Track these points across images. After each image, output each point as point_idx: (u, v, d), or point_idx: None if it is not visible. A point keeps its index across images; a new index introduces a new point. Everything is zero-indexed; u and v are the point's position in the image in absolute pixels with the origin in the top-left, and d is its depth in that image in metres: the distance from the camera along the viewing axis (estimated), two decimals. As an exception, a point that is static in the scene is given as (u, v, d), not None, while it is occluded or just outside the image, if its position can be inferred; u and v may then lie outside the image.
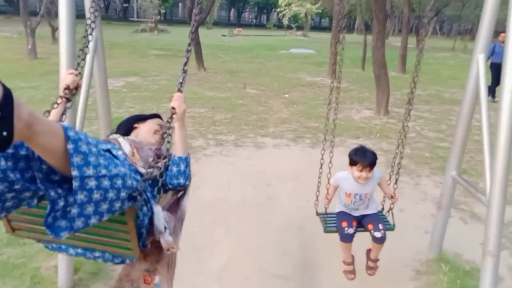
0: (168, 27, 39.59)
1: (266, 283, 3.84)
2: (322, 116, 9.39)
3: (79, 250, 2.06)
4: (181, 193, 2.34)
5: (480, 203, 3.46)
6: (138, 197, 1.68)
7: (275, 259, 4.17)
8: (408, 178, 6.29)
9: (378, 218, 3.47)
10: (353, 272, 3.53)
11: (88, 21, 2.66)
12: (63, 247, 2.09)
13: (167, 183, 2.29)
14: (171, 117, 2.22)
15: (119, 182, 1.55)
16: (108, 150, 2.03)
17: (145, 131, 2.58)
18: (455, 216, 5.16)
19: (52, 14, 19.90)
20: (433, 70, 19.68)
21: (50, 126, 1.35)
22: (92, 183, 1.44)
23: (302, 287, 3.83)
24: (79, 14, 3.35)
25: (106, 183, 1.49)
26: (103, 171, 1.48)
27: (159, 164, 2.06)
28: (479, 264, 3.31)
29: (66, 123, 2.27)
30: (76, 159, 1.39)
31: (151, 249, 2.10)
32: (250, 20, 67.46)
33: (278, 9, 37.77)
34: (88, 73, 3.50)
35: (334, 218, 3.57)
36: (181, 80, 2.38)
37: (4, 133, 1.17)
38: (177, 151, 2.31)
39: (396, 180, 3.60)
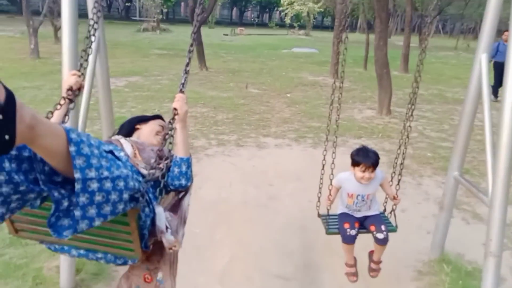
0: (170, 26, 39.56)
1: (267, 284, 3.84)
2: (324, 116, 9.38)
3: (82, 251, 2.07)
4: (182, 193, 2.34)
5: (482, 204, 3.45)
6: (140, 198, 1.69)
7: (276, 260, 4.18)
8: (410, 178, 6.28)
9: (380, 219, 3.44)
10: (355, 274, 3.49)
11: (91, 22, 2.66)
12: (66, 248, 2.10)
13: (169, 184, 2.29)
14: (173, 118, 2.22)
15: (121, 183, 1.56)
16: (111, 151, 2.03)
17: (147, 132, 2.59)
18: (457, 216, 5.15)
19: (54, 13, 19.90)
20: (436, 69, 19.63)
21: (52, 128, 1.36)
22: (94, 185, 1.45)
23: (304, 288, 3.84)
24: (81, 13, 3.36)
25: (108, 185, 1.50)
26: (105, 173, 1.49)
27: (161, 165, 2.08)
28: (481, 265, 3.30)
29: (68, 123, 2.35)
30: (79, 161, 1.41)
31: (153, 250, 2.12)
32: (252, 19, 67.42)
33: (280, 8, 37.70)
34: (91, 73, 3.51)
35: (336, 220, 3.54)
36: (183, 81, 2.39)
37: (6, 136, 1.18)
38: (179, 152, 2.30)
39: (399, 181, 3.57)
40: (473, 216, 5.24)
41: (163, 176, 2.06)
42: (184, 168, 2.28)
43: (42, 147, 1.35)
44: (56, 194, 1.48)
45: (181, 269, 2.39)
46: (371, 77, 14.18)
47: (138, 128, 2.64)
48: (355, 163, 3.28)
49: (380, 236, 3.29)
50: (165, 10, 44.65)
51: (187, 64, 2.42)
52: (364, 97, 12.48)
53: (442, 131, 9.23)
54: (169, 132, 2.16)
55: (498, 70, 11.73)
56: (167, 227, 1.93)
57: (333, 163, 3.52)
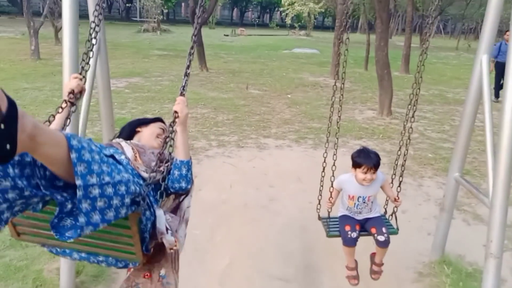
0: (171, 27, 39.55)
1: (268, 285, 3.83)
2: (324, 117, 9.39)
3: (83, 255, 2.07)
4: (183, 196, 2.35)
5: (483, 205, 3.44)
6: (141, 202, 1.70)
7: (277, 261, 4.17)
8: (411, 179, 6.27)
9: (381, 221, 3.43)
10: (356, 277, 3.47)
11: (92, 25, 2.66)
12: (67, 251, 2.10)
13: (169, 187, 2.30)
14: (174, 121, 2.22)
15: (122, 188, 1.58)
16: (112, 156, 2.04)
17: (147, 135, 2.61)
18: (458, 217, 5.14)
19: (55, 14, 19.92)
20: (437, 69, 19.64)
21: (53, 136, 1.37)
22: (95, 191, 1.47)
23: (304, 290, 3.83)
24: (82, 14, 3.36)
25: (109, 190, 1.52)
26: (107, 178, 1.51)
27: (161, 168, 2.09)
28: (482, 266, 3.30)
29: (69, 125, 2.37)
30: (80, 168, 1.42)
31: (154, 252, 2.12)
32: (253, 20, 67.40)
33: (281, 9, 37.74)
34: (91, 74, 3.50)
35: (337, 222, 3.51)
36: (183, 84, 2.39)
37: (8, 146, 1.19)
38: (179, 155, 2.31)
39: (400, 183, 3.54)
40: (474, 217, 5.23)
41: (163, 179, 2.07)
42: (184, 171, 2.30)
43: (44, 155, 1.36)
44: (59, 197, 1.50)
45: (181, 271, 2.38)
46: (372, 78, 14.17)
47: (138, 131, 2.66)
48: (356, 165, 3.26)
49: (381, 238, 3.27)
50: (165, 11, 44.65)
51: (188, 67, 2.41)
52: (365, 98, 12.47)
53: (443, 131, 9.22)
54: (170, 135, 2.16)
55: (500, 70, 11.68)
56: (167, 229, 1.95)
57: (334, 165, 3.47)
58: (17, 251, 3.99)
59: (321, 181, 3.65)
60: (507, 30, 11.24)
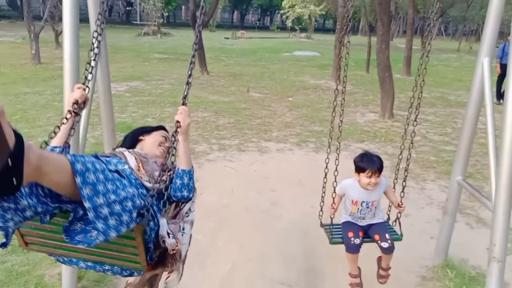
0: (171, 30, 39.62)
1: (270, 290, 3.82)
2: (326, 120, 9.39)
3: (89, 263, 2.12)
4: (184, 205, 2.38)
5: (486, 208, 3.42)
6: (146, 214, 1.74)
7: (279, 266, 4.15)
8: (413, 182, 6.25)
9: (385, 227, 3.39)
10: (359, 285, 3.42)
11: (95, 34, 2.66)
12: (74, 260, 2.15)
13: (172, 196, 2.32)
14: (176, 131, 2.24)
15: (129, 204, 1.67)
16: (117, 171, 2.07)
17: (150, 143, 2.66)
18: (461, 221, 5.12)
19: (55, 18, 19.95)
20: (438, 72, 19.62)
21: (58, 164, 1.46)
22: (104, 210, 1.56)
23: (307, 294, 3.81)
24: (82, 18, 3.35)
25: (117, 207, 1.60)
26: (113, 197, 1.59)
27: (164, 177, 2.13)
28: (485, 270, 3.28)
29: (73, 134, 2.45)
30: (86, 191, 1.51)
31: (157, 261, 2.14)
32: (253, 23, 67.47)
33: (282, 11, 37.82)
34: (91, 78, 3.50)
35: (340, 229, 3.48)
36: (185, 93, 2.39)
37: (14, 180, 1.26)
38: (181, 164, 2.34)
39: (403, 188, 3.51)
40: (477, 221, 5.21)
41: (166, 188, 2.12)
42: (186, 180, 2.33)
43: (49, 182, 1.45)
44: (69, 205, 1.59)
45: (183, 276, 2.38)
46: (373, 80, 14.16)
47: (141, 139, 2.71)
48: (360, 169, 3.23)
49: (385, 245, 3.25)
50: (165, 14, 44.76)
51: (189, 76, 2.41)
52: (366, 101, 12.47)
53: (445, 134, 9.21)
54: (172, 145, 2.19)
55: (503, 72, 11.67)
56: (168, 233, 1.99)
57: (336, 170, 3.43)
58: (18, 257, 3.97)
59: (323, 187, 3.60)
60: None
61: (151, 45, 27.33)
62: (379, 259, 3.51)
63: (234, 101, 11.53)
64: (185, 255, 2.31)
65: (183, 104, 2.37)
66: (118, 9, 61.93)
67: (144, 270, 2.07)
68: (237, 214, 5.15)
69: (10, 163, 1.22)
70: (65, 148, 2.31)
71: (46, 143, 2.20)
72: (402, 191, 3.49)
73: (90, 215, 1.53)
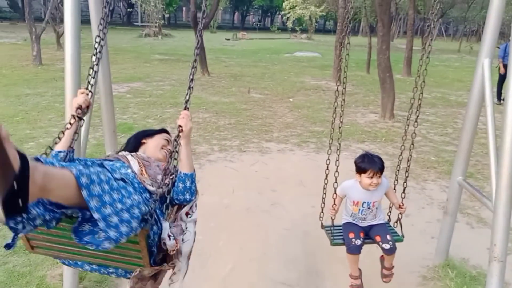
0: (172, 32, 39.64)
1: (271, 290, 3.82)
2: (327, 120, 9.40)
3: (94, 266, 2.16)
4: (186, 207, 2.40)
5: (486, 208, 3.43)
6: (149, 219, 1.79)
7: (279, 266, 4.16)
8: (414, 182, 6.25)
9: (386, 228, 3.38)
10: (360, 286, 3.41)
11: (97, 39, 2.68)
12: (79, 263, 2.19)
13: (174, 199, 2.35)
14: (178, 135, 2.27)
15: (136, 211, 1.72)
16: (122, 179, 2.08)
17: (152, 147, 2.69)
18: (462, 220, 5.13)
19: (56, 20, 19.98)
20: (439, 72, 19.62)
21: (63, 180, 1.50)
22: (114, 219, 1.62)
23: (308, 294, 3.81)
24: (84, 19, 3.36)
25: (126, 215, 1.66)
26: (119, 206, 1.65)
27: (167, 181, 2.16)
28: (486, 270, 3.28)
29: (77, 139, 2.50)
30: (93, 203, 1.56)
31: (160, 263, 2.18)
32: (254, 24, 67.48)
33: (282, 12, 37.78)
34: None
35: (341, 230, 3.46)
36: (187, 98, 2.42)
37: (20, 202, 1.29)
38: (183, 167, 2.36)
39: (404, 189, 3.49)
40: (478, 221, 5.21)
41: (168, 192, 2.14)
42: (188, 183, 2.35)
43: (55, 197, 1.50)
44: (76, 209, 1.63)
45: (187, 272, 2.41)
46: (374, 81, 14.17)
47: (144, 143, 2.74)
48: (361, 170, 3.22)
49: (386, 246, 3.24)
50: (166, 15, 44.74)
51: (191, 80, 2.43)
52: (367, 101, 12.47)
53: (446, 134, 9.21)
54: (174, 150, 2.22)
55: (505, 72, 11.66)
56: (169, 236, 2.02)
57: (336, 171, 3.42)
58: (20, 257, 3.98)
59: (324, 188, 3.59)
60: None
61: (152, 46, 27.35)
62: (382, 258, 3.51)
63: (235, 102, 11.54)
64: (190, 251, 2.33)
65: (185, 108, 2.40)
66: (119, 10, 61.94)
67: (148, 272, 2.10)
68: (238, 215, 5.16)
69: (15, 187, 1.25)
70: (69, 152, 2.34)
71: (51, 148, 2.22)
72: (403, 192, 3.48)
73: (101, 225, 1.58)
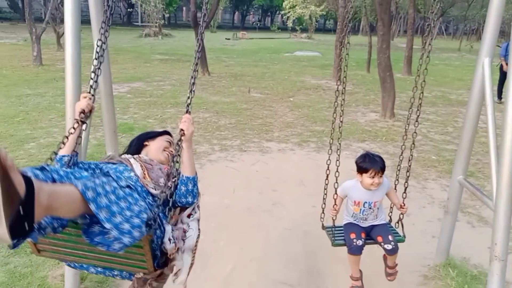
0: (172, 31, 39.64)
1: (272, 290, 3.82)
2: (327, 120, 9.39)
3: (99, 269, 2.21)
4: (188, 209, 2.45)
5: (487, 207, 3.43)
6: (153, 224, 1.84)
7: (280, 266, 4.16)
8: (415, 181, 6.24)
9: (387, 229, 3.37)
10: None
11: (99, 43, 2.72)
12: (85, 266, 2.24)
13: (176, 201, 2.39)
14: (180, 139, 2.31)
15: (144, 216, 1.78)
16: (128, 186, 2.14)
17: (154, 149, 2.74)
18: (462, 219, 5.13)
19: (57, 20, 19.99)
20: (439, 71, 19.61)
21: (68, 197, 1.54)
22: (125, 226, 1.68)
23: (309, 294, 3.81)
24: (84, 19, 3.37)
25: (136, 221, 1.72)
26: (128, 213, 1.70)
27: (169, 184, 2.19)
28: (487, 269, 3.27)
29: (80, 142, 2.56)
30: (102, 214, 1.61)
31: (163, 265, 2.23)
32: (254, 23, 67.46)
33: (282, 12, 37.76)
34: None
35: (342, 231, 3.44)
36: (189, 102, 2.43)
37: (26, 226, 1.33)
38: (185, 171, 2.40)
39: (405, 189, 3.48)
40: (479, 220, 5.21)
41: (171, 195, 2.19)
42: (190, 187, 2.39)
43: (61, 213, 1.57)
44: (84, 215, 1.70)
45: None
46: (374, 80, 14.16)
47: (146, 145, 2.80)
48: (362, 170, 3.21)
49: (388, 247, 3.24)
50: (167, 15, 44.75)
51: (193, 84, 2.45)
52: (367, 100, 12.47)
53: (447, 133, 9.21)
54: (177, 154, 2.26)
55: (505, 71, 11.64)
56: (170, 239, 2.07)
57: (337, 171, 3.40)
58: (21, 258, 3.99)
59: (325, 189, 3.57)
60: None
61: (152, 46, 27.36)
62: (385, 257, 3.49)
63: (235, 102, 11.54)
64: (195, 246, 2.36)
65: (187, 112, 2.43)
66: (119, 10, 61.93)
67: (152, 275, 2.15)
68: (238, 214, 5.16)
69: (21, 212, 1.29)
70: (72, 156, 2.36)
71: (55, 153, 2.27)
72: (404, 192, 3.47)
73: (114, 233, 1.64)
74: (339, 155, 3.44)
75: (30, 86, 12.10)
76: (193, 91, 2.45)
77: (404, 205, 3.41)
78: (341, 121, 3.51)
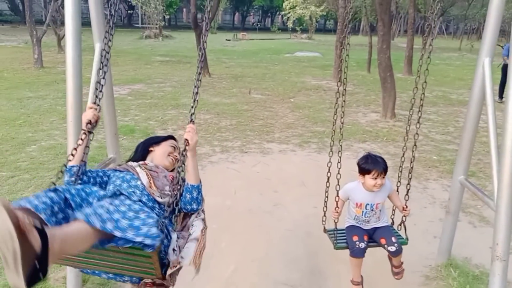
0: (172, 33, 39.67)
1: (273, 291, 3.82)
2: (328, 120, 9.40)
3: (111, 275, 2.28)
4: (193, 216, 2.56)
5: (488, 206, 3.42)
6: (161, 235, 1.88)
7: (282, 267, 4.16)
8: (416, 182, 6.24)
9: (390, 231, 3.34)
10: None
11: (103, 53, 2.77)
12: (97, 272, 2.29)
13: (181, 208, 2.50)
14: (185, 149, 2.37)
15: (161, 224, 1.88)
16: (140, 200, 2.24)
17: (159, 154, 2.85)
18: (464, 219, 5.12)
19: (57, 22, 20.03)
20: (440, 71, 19.61)
21: (79, 236, 1.62)
22: (148, 241, 1.75)
23: (310, 295, 3.81)
24: (84, 22, 3.37)
25: (153, 230, 1.78)
26: (145, 228, 1.77)
27: (175, 191, 2.27)
28: (489, 269, 3.26)
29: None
30: (129, 234, 1.71)
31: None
32: (254, 24, 67.48)
33: (283, 12, 37.81)
34: (94, 82, 3.53)
35: (344, 234, 3.40)
36: (192, 111, 2.48)
37: (41, 276, 1.41)
38: (190, 179, 2.49)
39: (408, 190, 3.44)
40: (480, 219, 5.20)
41: (177, 203, 2.26)
42: (195, 194, 2.51)
43: (74, 251, 1.68)
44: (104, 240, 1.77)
45: (186, 277, 2.44)
46: (374, 80, 14.16)
47: (151, 151, 2.90)
48: (365, 171, 3.19)
49: (392, 249, 3.22)
50: (167, 17, 44.78)
51: (196, 93, 2.51)
52: (368, 101, 12.46)
53: (448, 133, 9.20)
54: (182, 163, 2.32)
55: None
56: (174, 250, 2.15)
57: (338, 173, 3.34)
58: (23, 261, 3.98)
59: (326, 191, 3.53)
60: None
61: (153, 48, 27.39)
62: (390, 257, 3.47)
63: (236, 103, 11.54)
64: (203, 236, 2.46)
65: (191, 121, 2.48)
66: (120, 12, 62.04)
67: (161, 280, 2.22)
68: (240, 216, 5.16)
69: (37, 266, 1.36)
70: (81, 166, 2.45)
71: (65, 166, 2.37)
72: (407, 194, 3.42)
73: (138, 239, 1.72)
74: (340, 157, 3.38)
75: (31, 88, 12.12)
76: (197, 100, 2.50)
77: (407, 207, 3.37)
78: (342, 123, 3.47)
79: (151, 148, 2.91)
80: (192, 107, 2.46)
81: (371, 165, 3.18)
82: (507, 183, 2.98)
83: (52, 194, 1.78)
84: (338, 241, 3.39)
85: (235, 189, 5.90)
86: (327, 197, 3.55)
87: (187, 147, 2.38)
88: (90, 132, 2.49)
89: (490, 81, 3.45)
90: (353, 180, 3.38)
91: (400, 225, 3.51)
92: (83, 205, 1.91)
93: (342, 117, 3.43)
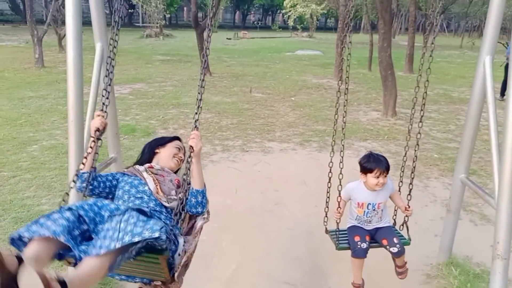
0: (173, 32, 39.64)
1: (275, 290, 3.82)
2: (329, 119, 9.38)
3: (123, 277, 2.39)
4: (198, 218, 2.68)
5: (489, 205, 3.42)
6: (168, 243, 1.98)
7: (283, 266, 4.16)
8: (417, 180, 6.20)
9: (392, 231, 3.32)
10: None
11: (108, 60, 2.81)
12: (109, 274, 2.37)
13: (187, 211, 2.60)
14: (190, 156, 2.45)
15: (170, 231, 2.04)
16: (148, 205, 2.47)
17: (165, 156, 2.97)
18: (465, 218, 5.12)
19: (58, 22, 20.02)
20: (441, 68, 19.58)
21: (95, 272, 1.78)
22: (156, 234, 1.84)
23: (311, 294, 3.81)
24: (85, 21, 3.38)
25: (164, 236, 1.88)
26: (157, 234, 1.83)
27: (180, 195, 2.39)
28: (489, 267, 3.26)
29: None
30: (146, 233, 1.82)
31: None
32: (255, 23, 67.39)
33: (283, 11, 37.73)
34: (95, 82, 3.55)
35: (345, 234, 3.38)
36: (196, 118, 2.54)
37: None
38: (195, 184, 2.60)
39: (410, 190, 3.38)
40: (481, 218, 5.20)
41: (183, 208, 2.33)
42: (200, 198, 2.63)
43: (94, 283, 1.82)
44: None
45: (187, 277, 2.45)
46: (375, 78, 14.14)
47: (157, 152, 3.02)
48: (367, 170, 3.17)
49: (394, 250, 3.20)
50: (167, 16, 44.76)
51: (200, 100, 2.58)
52: (369, 99, 12.45)
53: (449, 131, 9.19)
54: (187, 170, 2.43)
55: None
56: (179, 254, 2.26)
57: (340, 173, 3.26)
58: (24, 260, 3.99)
59: (327, 192, 3.46)
60: None
61: (154, 47, 27.38)
62: (393, 257, 3.44)
63: (237, 102, 11.54)
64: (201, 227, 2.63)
65: (195, 128, 2.55)
66: (120, 11, 61.97)
67: (169, 281, 2.31)
68: (241, 215, 5.16)
69: None
70: (91, 172, 2.57)
71: (77, 174, 2.52)
72: (409, 194, 3.37)
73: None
74: (342, 157, 3.29)
75: (32, 88, 12.13)
76: (200, 107, 2.57)
77: (409, 207, 3.34)
78: (344, 122, 3.40)
79: (156, 150, 3.01)
80: (196, 113, 2.52)
81: (373, 164, 3.16)
82: (508, 181, 2.98)
83: (67, 214, 1.95)
84: (340, 241, 3.36)
85: (236, 188, 5.90)
86: (328, 197, 3.48)
87: (192, 154, 2.46)
88: (98, 139, 2.60)
89: (491, 79, 3.45)
90: (354, 179, 3.37)
91: (402, 225, 3.49)
92: (96, 219, 2.04)
93: (344, 116, 3.33)
